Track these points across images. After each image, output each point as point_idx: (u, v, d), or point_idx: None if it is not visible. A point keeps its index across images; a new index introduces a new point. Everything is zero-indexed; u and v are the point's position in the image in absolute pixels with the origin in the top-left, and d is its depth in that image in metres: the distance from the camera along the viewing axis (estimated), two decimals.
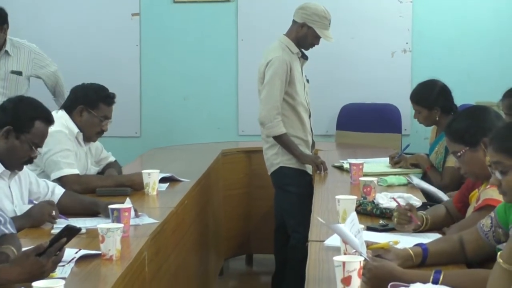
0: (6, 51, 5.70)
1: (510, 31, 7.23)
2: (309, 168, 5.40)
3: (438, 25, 7.31)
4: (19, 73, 5.70)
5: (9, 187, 3.69)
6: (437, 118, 5.12)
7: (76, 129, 4.55)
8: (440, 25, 7.31)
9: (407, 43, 7.34)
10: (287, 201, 5.48)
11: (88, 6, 7.54)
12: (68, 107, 4.60)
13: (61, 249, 2.72)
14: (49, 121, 3.75)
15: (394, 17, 7.32)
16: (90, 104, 4.59)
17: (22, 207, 3.71)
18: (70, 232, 2.75)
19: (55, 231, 3.40)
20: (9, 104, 3.76)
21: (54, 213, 3.61)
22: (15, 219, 3.38)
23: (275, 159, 5.42)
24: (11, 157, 3.62)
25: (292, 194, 5.42)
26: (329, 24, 5.33)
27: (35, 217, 3.59)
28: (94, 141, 4.74)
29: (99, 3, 7.54)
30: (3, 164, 3.62)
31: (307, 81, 5.55)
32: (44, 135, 3.71)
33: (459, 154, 3.44)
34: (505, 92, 4.68)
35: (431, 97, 5.10)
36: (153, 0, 7.52)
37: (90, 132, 4.63)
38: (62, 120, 4.47)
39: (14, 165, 3.66)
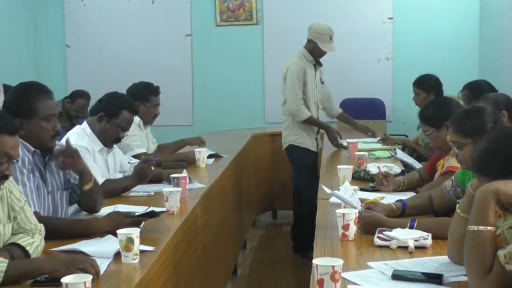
0: None
1: (466, 42, 7.16)
2: (312, 147, 5.40)
3: (412, 39, 7.25)
4: None
5: (106, 161, 3.73)
6: None
7: (138, 118, 4.51)
8: (413, 39, 7.24)
9: (389, 52, 7.29)
10: (298, 172, 5.50)
11: (153, 29, 7.55)
12: None
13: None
14: (134, 110, 3.76)
15: (379, 33, 7.27)
16: (144, 99, 4.55)
17: (115, 175, 3.75)
18: (152, 214, 2.77)
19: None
20: (104, 96, 3.78)
21: (152, 168, 3.51)
22: (127, 178, 3.50)
23: (286, 138, 5.44)
24: (104, 137, 3.66)
25: (300, 166, 5.44)
26: (331, 38, 5.25)
27: (139, 175, 3.47)
28: (151, 123, 4.71)
29: (161, 27, 7.54)
30: (101, 142, 3.66)
31: (322, 82, 5.52)
32: (129, 121, 3.72)
33: (427, 133, 3.46)
34: (463, 86, 4.65)
35: (430, 83, 5.02)
36: (201, 24, 7.52)
37: (148, 119, 4.63)
38: None
39: (106, 143, 3.69)
